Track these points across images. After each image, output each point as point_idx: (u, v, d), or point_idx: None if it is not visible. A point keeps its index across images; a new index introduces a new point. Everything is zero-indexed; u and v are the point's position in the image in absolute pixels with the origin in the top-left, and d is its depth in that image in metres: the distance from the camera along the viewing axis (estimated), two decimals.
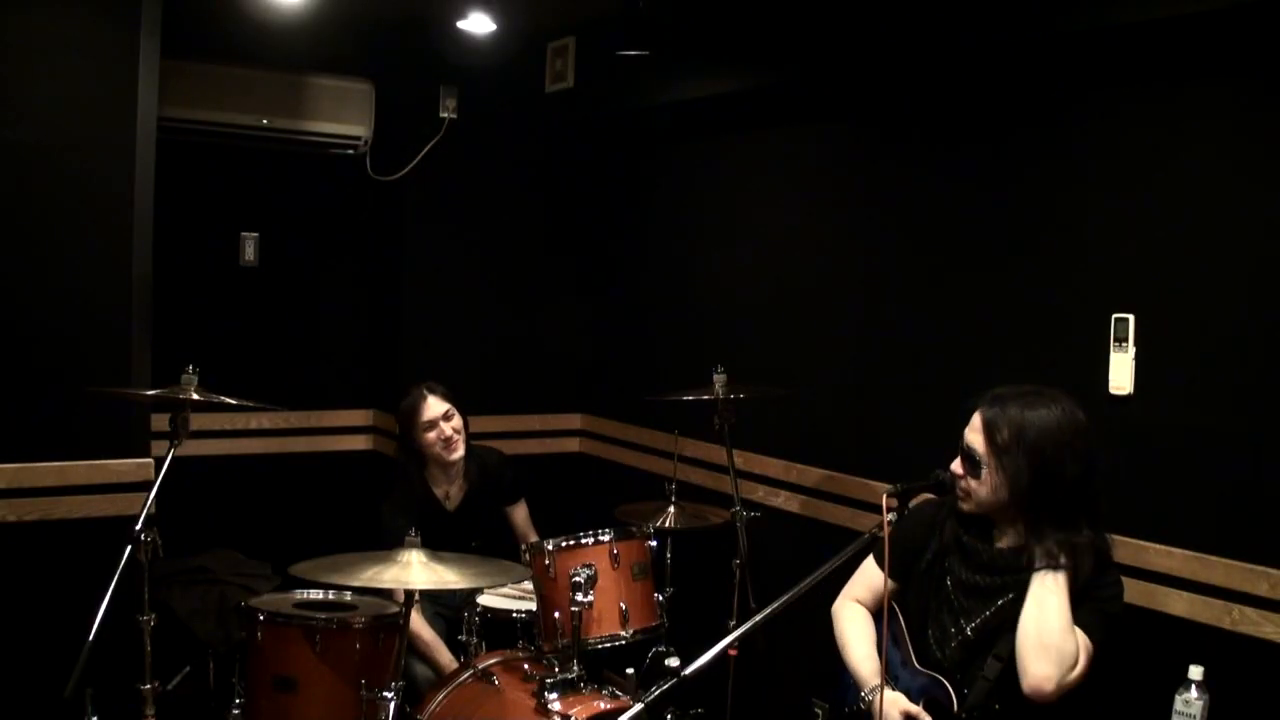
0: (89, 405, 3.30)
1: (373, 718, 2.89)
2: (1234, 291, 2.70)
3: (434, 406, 3.78)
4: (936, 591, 2.56)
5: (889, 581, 2.59)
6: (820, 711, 3.69)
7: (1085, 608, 2.37)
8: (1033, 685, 2.29)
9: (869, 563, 2.72)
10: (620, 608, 3.25)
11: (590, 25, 4.57)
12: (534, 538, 4.01)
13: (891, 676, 2.57)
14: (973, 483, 2.47)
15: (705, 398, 3.68)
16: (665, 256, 4.73)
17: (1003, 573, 2.46)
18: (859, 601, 2.74)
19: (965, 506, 2.51)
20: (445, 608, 3.85)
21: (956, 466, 2.50)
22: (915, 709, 2.46)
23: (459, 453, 3.82)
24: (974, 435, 2.46)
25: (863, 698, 2.54)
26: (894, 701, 2.48)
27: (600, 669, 3.56)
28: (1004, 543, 2.51)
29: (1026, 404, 2.43)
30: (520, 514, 4.13)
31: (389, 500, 3.85)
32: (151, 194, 3.52)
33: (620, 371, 5.02)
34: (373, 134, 4.75)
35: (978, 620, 2.47)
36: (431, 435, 3.78)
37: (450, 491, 3.92)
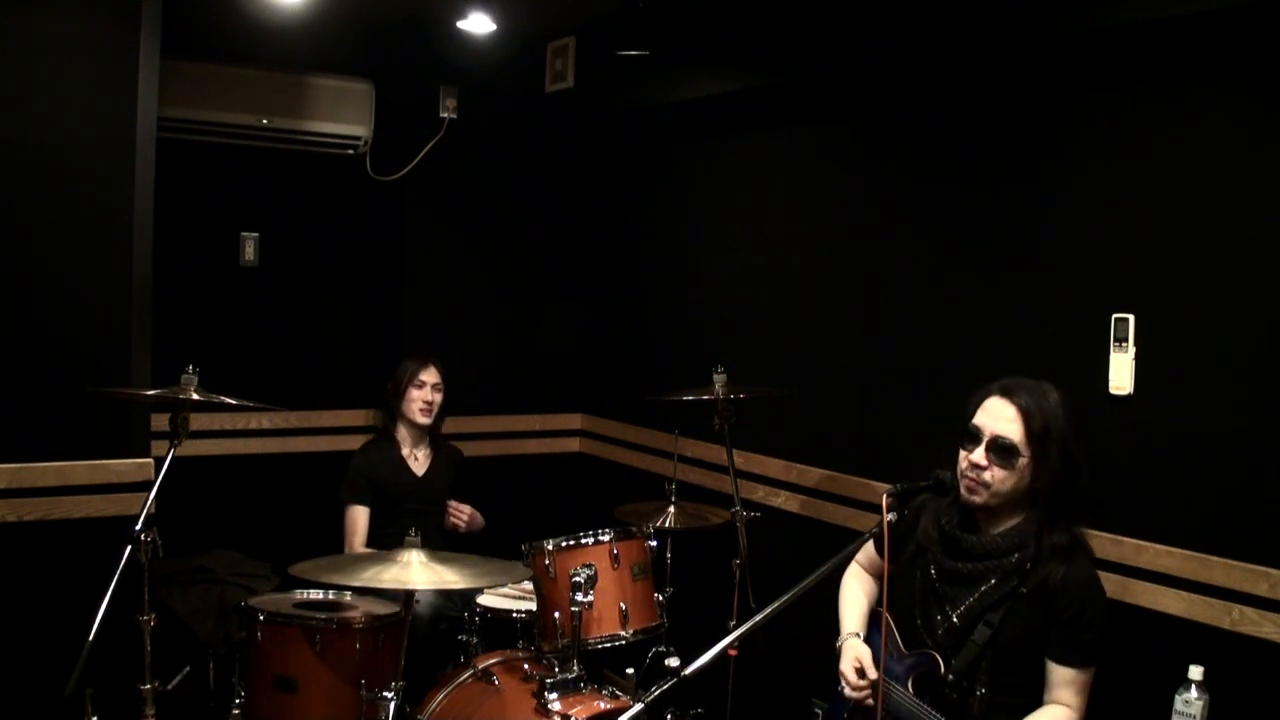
0: (89, 405, 3.30)
1: (373, 718, 2.90)
2: (1234, 291, 2.70)
3: (432, 373, 4.24)
4: (922, 583, 2.58)
5: (888, 571, 2.65)
6: (820, 711, 3.70)
7: (1074, 644, 2.40)
8: None
9: (870, 543, 2.83)
10: (620, 608, 3.25)
11: (590, 25, 4.57)
12: None
13: (885, 671, 2.60)
14: (999, 473, 2.43)
15: (705, 398, 3.68)
16: (665, 256, 4.73)
17: (984, 558, 2.48)
18: (861, 566, 2.90)
19: (977, 499, 2.46)
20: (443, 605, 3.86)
21: (978, 457, 2.44)
22: (866, 659, 2.58)
23: (427, 420, 4.23)
24: (1007, 424, 2.42)
25: (838, 643, 2.73)
26: (854, 647, 2.65)
27: (600, 669, 3.56)
28: (989, 531, 2.51)
29: (1040, 395, 2.44)
30: None
31: (363, 449, 4.27)
32: (151, 194, 3.52)
33: (620, 371, 5.02)
34: (373, 134, 4.75)
35: (963, 606, 2.49)
36: (416, 393, 4.21)
37: (418, 455, 4.29)
